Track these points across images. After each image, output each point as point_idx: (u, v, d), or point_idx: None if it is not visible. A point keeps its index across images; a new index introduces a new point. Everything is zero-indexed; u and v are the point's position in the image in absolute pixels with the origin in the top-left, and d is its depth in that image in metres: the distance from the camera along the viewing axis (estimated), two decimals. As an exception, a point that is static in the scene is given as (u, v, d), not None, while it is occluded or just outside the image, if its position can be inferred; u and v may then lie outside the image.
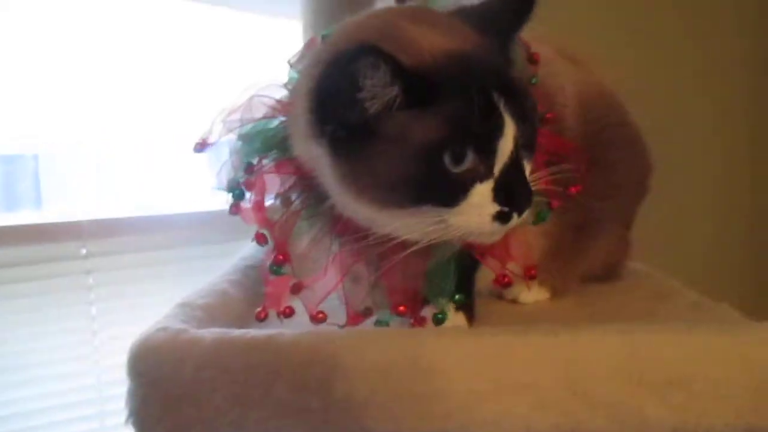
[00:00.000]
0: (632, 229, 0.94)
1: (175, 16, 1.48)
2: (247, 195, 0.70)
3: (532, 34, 0.79)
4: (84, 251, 1.45)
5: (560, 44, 0.86)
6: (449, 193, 0.58)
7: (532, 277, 0.75)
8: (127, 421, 0.59)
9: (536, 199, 0.63)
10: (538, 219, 0.72)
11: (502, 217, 0.60)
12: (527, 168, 0.62)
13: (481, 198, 0.59)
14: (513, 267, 0.72)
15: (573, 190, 0.75)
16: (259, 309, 0.67)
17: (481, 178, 0.59)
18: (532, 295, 0.84)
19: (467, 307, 0.73)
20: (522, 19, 0.65)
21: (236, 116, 0.70)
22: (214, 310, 0.70)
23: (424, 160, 0.57)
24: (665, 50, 1.91)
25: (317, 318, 0.66)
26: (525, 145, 0.61)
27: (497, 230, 0.61)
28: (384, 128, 0.58)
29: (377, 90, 0.57)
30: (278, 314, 0.67)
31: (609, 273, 0.93)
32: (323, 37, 0.72)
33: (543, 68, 0.75)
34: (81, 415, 1.46)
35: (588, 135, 0.79)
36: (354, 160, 0.60)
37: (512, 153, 0.59)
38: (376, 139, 0.58)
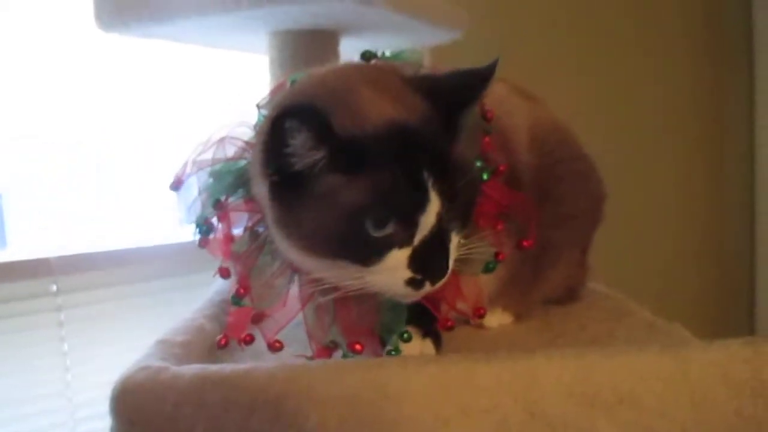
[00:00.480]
0: (589, 253, 0.99)
1: (149, 55, 1.51)
2: (219, 227, 0.74)
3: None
4: (54, 288, 1.45)
5: (515, 83, 0.92)
6: (367, 253, 0.62)
7: (480, 317, 0.80)
8: (110, 458, 0.62)
9: (485, 250, 0.68)
10: (486, 269, 0.76)
11: (414, 283, 0.63)
12: (454, 239, 0.66)
13: (397, 263, 0.63)
14: (462, 306, 0.76)
15: (525, 243, 0.80)
16: (219, 336, 0.71)
17: (400, 245, 0.62)
18: (496, 319, 0.89)
19: (434, 335, 0.77)
20: (475, 94, 0.68)
21: (208, 155, 0.74)
22: (192, 346, 0.73)
23: (346, 221, 0.61)
24: (623, 76, 1.99)
25: (274, 346, 0.70)
26: (455, 218, 0.64)
27: (410, 294, 0.65)
28: (312, 184, 0.62)
29: (301, 150, 0.60)
30: (238, 342, 0.70)
31: (569, 295, 0.98)
32: (291, 83, 0.77)
33: (498, 107, 0.80)
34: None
35: (541, 169, 0.84)
36: (286, 206, 0.64)
37: (434, 227, 0.62)
38: (305, 191, 0.62)
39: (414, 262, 0.63)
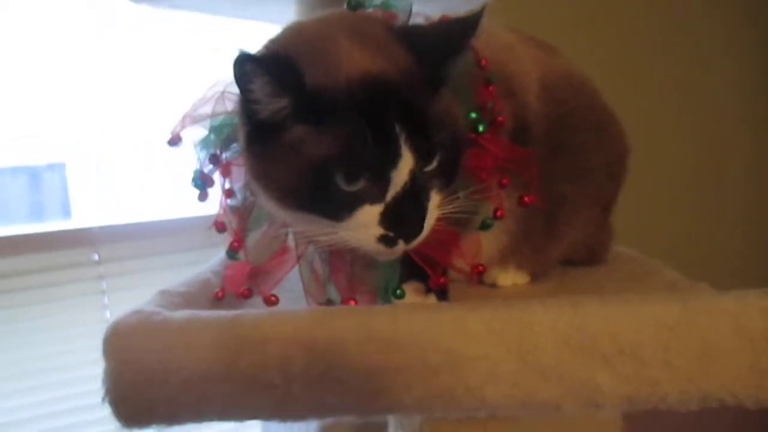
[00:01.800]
0: (612, 213, 0.94)
1: (179, 26, 1.53)
2: (220, 181, 0.74)
3: (498, 23, 0.81)
4: (96, 257, 1.50)
5: (528, 34, 0.88)
6: (336, 208, 0.60)
7: (479, 274, 0.76)
8: (103, 399, 0.63)
9: (478, 204, 0.67)
10: (483, 227, 0.74)
11: (386, 240, 0.61)
12: (434, 197, 0.63)
13: (368, 219, 0.61)
14: (460, 263, 0.74)
15: (527, 199, 0.77)
16: (217, 290, 0.71)
17: (372, 201, 0.60)
18: (510, 278, 0.86)
19: (440, 291, 0.75)
20: (461, 43, 0.64)
21: (208, 109, 0.74)
22: (192, 298, 0.73)
23: (315, 174, 0.59)
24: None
25: (269, 300, 0.70)
26: (435, 175, 0.62)
27: (384, 251, 0.62)
28: (281, 135, 0.60)
29: (263, 96, 0.59)
30: (236, 295, 0.70)
31: (590, 257, 0.93)
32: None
33: (505, 54, 0.77)
34: (96, 418, 1.51)
35: (553, 118, 0.80)
36: (258, 157, 0.63)
37: (407, 184, 0.60)
38: (274, 142, 0.61)
39: (385, 219, 0.61)
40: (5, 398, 1.43)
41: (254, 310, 0.65)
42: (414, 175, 0.60)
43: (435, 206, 0.63)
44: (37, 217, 1.63)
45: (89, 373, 1.48)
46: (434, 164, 0.61)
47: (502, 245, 0.81)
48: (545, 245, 0.85)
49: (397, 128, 0.58)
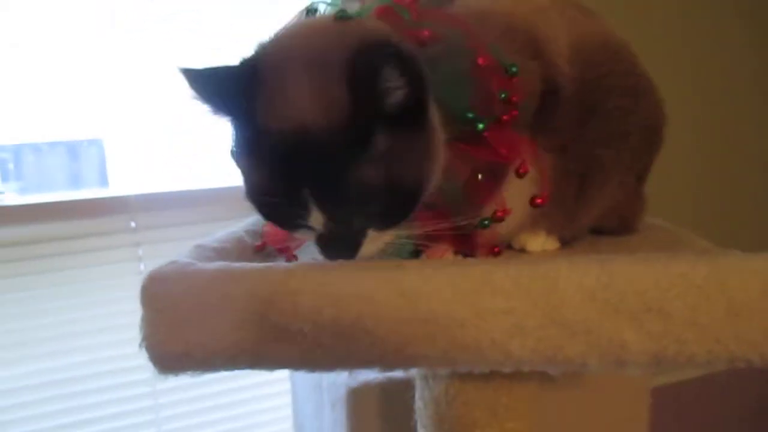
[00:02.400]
0: (646, 182, 0.94)
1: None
2: None
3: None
4: (133, 224, 1.54)
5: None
6: (283, 223, 0.67)
7: (496, 255, 0.78)
8: (140, 345, 0.65)
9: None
10: (481, 226, 0.72)
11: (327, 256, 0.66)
12: (372, 233, 0.65)
13: (308, 236, 0.66)
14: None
15: (538, 201, 0.76)
16: (256, 243, 0.73)
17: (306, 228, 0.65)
18: (540, 243, 0.86)
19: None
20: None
21: None
22: (226, 253, 0.75)
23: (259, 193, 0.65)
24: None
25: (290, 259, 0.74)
26: (367, 220, 0.64)
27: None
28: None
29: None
30: (276, 249, 0.72)
31: (623, 225, 0.93)
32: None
33: (536, 16, 0.77)
34: (130, 381, 1.56)
35: (587, 81, 0.79)
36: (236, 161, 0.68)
37: (330, 225, 0.63)
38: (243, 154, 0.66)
39: (319, 243, 0.65)
40: (44, 359, 1.49)
41: (285, 263, 0.67)
42: (333, 224, 0.63)
43: (374, 238, 0.65)
44: (76, 189, 1.68)
45: (124, 336, 1.53)
46: (358, 218, 0.64)
47: (530, 212, 0.81)
48: (578, 210, 0.85)
49: (306, 192, 0.60)
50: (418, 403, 0.81)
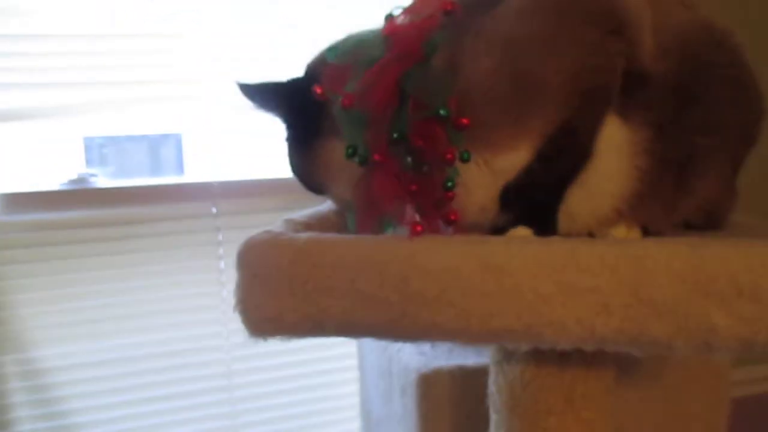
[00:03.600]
0: (738, 176, 0.91)
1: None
2: None
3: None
4: (214, 210, 1.60)
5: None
6: None
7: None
8: (235, 308, 0.69)
9: None
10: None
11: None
12: None
13: None
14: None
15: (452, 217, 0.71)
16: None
17: None
18: (622, 232, 0.84)
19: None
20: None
21: None
22: (313, 228, 0.78)
23: None
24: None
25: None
26: None
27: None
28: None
29: None
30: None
31: (712, 221, 0.90)
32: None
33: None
34: (209, 359, 1.62)
35: (684, 71, 0.78)
36: None
37: None
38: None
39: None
40: (126, 335, 1.56)
41: (372, 236, 0.69)
42: None
43: None
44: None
45: (202, 317, 1.60)
46: None
47: (621, 201, 0.78)
48: (676, 201, 0.82)
49: None
50: (492, 389, 0.82)
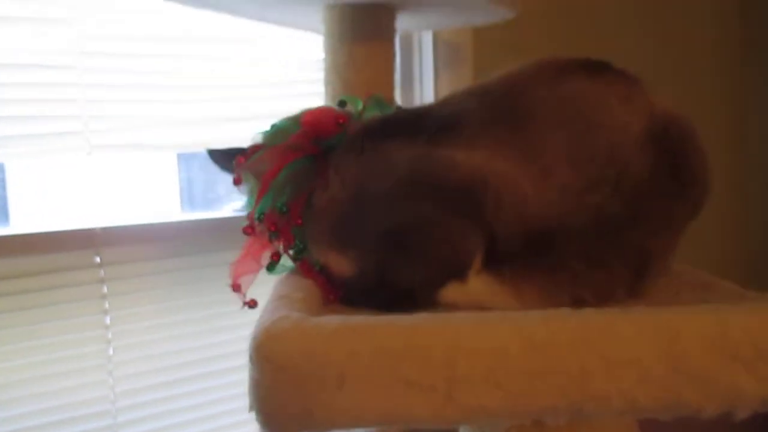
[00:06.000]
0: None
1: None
2: None
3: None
4: (98, 260, 1.43)
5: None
6: None
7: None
8: (250, 410, 0.61)
9: None
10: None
11: None
12: None
13: None
14: None
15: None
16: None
17: None
18: None
19: None
20: None
21: None
22: (308, 302, 0.72)
23: None
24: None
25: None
26: None
27: None
28: None
29: None
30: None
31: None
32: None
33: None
34: (95, 427, 1.44)
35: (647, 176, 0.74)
36: None
37: None
38: None
39: None
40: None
41: (406, 316, 0.65)
42: None
43: None
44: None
45: (86, 379, 1.41)
46: None
47: None
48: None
49: None
50: None
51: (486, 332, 0.62)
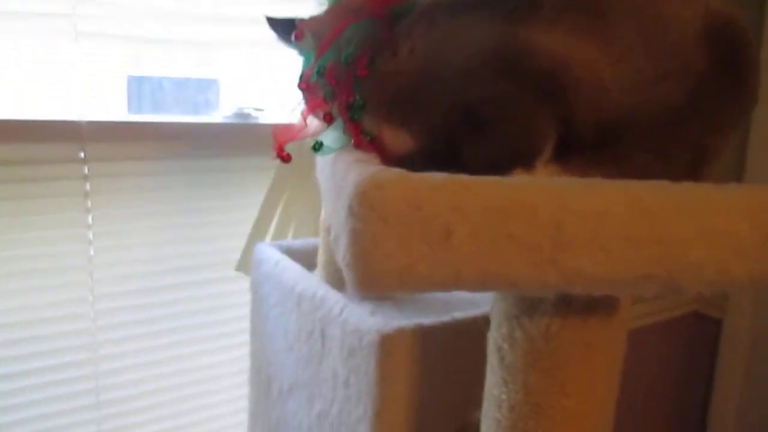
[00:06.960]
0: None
1: None
2: None
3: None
4: (82, 155, 1.33)
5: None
6: None
7: None
8: (346, 260, 0.57)
9: None
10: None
11: None
12: None
13: None
14: None
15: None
16: None
17: None
18: None
19: None
20: None
21: None
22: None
23: None
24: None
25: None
26: None
27: None
28: None
29: None
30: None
31: None
32: None
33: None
34: (73, 329, 1.36)
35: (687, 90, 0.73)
36: None
37: None
38: None
39: None
40: None
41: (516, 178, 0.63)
42: None
43: None
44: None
45: (65, 278, 1.33)
46: None
47: None
48: None
49: None
50: (498, 345, 0.80)
51: (593, 195, 0.60)
